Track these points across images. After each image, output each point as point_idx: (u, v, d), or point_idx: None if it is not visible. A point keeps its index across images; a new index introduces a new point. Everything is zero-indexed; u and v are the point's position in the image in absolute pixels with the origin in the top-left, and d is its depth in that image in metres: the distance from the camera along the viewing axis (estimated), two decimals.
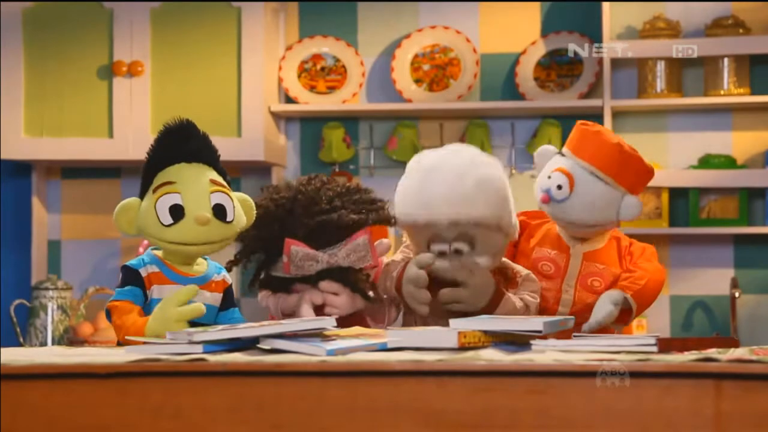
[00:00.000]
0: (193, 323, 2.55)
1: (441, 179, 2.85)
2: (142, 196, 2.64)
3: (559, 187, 2.99)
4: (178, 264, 2.64)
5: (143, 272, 2.62)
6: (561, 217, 3.01)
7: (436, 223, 2.83)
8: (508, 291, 2.91)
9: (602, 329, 2.99)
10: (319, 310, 2.82)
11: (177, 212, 2.57)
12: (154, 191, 2.60)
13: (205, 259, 2.71)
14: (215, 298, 2.67)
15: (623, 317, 2.98)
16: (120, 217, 2.62)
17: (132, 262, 2.65)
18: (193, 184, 2.60)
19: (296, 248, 2.78)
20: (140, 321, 2.51)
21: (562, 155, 3.05)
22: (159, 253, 2.65)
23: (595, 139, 3.00)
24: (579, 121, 3.08)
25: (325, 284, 2.81)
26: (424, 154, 2.95)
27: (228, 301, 2.71)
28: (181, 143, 2.64)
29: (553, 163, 3.04)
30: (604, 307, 2.92)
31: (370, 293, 2.85)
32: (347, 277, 2.82)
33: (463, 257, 2.84)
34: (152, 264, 2.63)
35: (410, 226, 2.89)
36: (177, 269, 2.63)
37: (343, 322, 2.75)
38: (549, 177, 3.01)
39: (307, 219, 2.80)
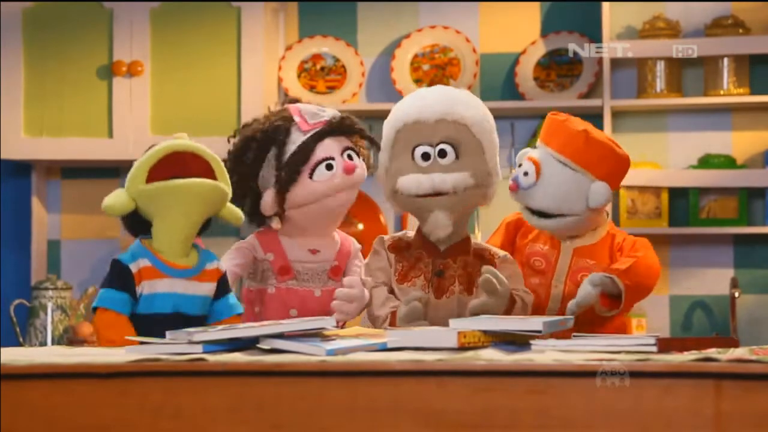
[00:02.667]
0: (188, 315, 2.56)
1: (434, 89, 2.99)
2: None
3: (526, 173, 3.00)
4: (171, 255, 2.63)
5: (134, 268, 2.60)
6: (529, 204, 3.01)
7: (424, 120, 2.88)
8: None
9: (595, 321, 2.97)
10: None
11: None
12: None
13: (197, 249, 2.69)
14: (209, 288, 2.66)
15: (613, 303, 2.93)
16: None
17: (123, 256, 2.63)
18: None
19: (303, 104, 2.95)
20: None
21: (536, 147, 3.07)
22: (148, 243, 2.64)
23: (561, 127, 3.01)
24: (550, 112, 3.10)
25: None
26: None
27: (223, 288, 2.70)
28: None
29: (523, 154, 3.06)
30: (583, 288, 2.89)
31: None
32: (361, 131, 2.95)
33: (483, 269, 2.82)
34: (144, 257, 2.61)
35: (398, 136, 2.92)
36: (168, 261, 2.62)
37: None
38: (519, 165, 3.03)
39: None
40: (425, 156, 2.88)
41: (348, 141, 2.93)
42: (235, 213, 2.71)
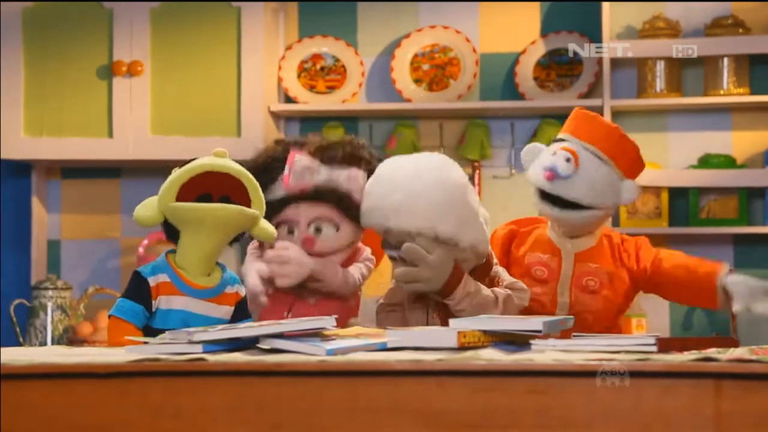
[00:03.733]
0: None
1: (378, 188, 2.83)
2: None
3: (567, 160, 2.97)
4: (191, 274, 2.62)
5: (152, 282, 2.60)
6: (563, 194, 2.97)
7: (374, 229, 2.86)
8: None
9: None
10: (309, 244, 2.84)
11: None
12: None
13: (222, 269, 2.69)
14: (226, 311, 2.66)
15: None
16: None
17: (144, 268, 2.63)
18: None
19: (299, 156, 2.83)
20: None
21: (561, 140, 3.05)
22: (173, 258, 2.64)
23: (594, 122, 3.03)
24: (577, 108, 3.09)
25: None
26: (387, 161, 2.90)
27: (241, 313, 2.69)
28: None
29: (555, 145, 3.03)
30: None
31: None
32: (344, 201, 2.84)
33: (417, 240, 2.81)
34: (163, 273, 2.61)
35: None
36: (188, 280, 2.61)
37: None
38: (554, 154, 2.99)
39: (312, 146, 2.87)
40: (392, 257, 2.86)
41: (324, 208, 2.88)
42: (268, 231, 2.69)
